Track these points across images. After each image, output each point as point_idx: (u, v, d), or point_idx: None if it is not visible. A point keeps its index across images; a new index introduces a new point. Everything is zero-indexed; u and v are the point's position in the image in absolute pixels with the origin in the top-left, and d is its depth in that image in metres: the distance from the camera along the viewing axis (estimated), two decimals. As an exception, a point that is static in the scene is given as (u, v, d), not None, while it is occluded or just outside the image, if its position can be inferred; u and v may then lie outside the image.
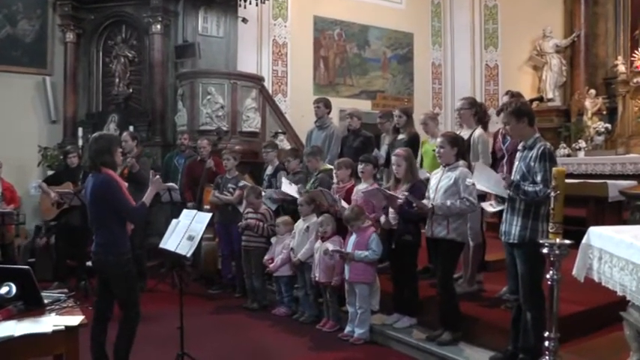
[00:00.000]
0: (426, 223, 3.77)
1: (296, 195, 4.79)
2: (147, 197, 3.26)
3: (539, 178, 2.97)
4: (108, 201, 3.12)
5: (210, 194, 5.57)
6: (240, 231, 5.01)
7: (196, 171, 5.94)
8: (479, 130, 4.33)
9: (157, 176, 3.36)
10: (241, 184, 5.35)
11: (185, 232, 3.41)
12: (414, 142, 4.88)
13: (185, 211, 3.62)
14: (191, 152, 6.33)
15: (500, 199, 3.30)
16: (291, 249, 4.60)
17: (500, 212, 3.33)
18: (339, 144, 5.64)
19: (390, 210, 3.97)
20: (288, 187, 4.90)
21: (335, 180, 4.66)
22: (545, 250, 2.55)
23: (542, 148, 3.00)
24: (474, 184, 3.36)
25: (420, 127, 4.93)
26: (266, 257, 4.83)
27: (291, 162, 5.17)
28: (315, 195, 4.56)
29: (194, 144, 6.31)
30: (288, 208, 5.05)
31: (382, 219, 4.10)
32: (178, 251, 3.37)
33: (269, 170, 5.55)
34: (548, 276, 2.59)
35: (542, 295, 2.97)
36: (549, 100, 9.44)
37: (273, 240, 4.88)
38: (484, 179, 3.23)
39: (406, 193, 3.76)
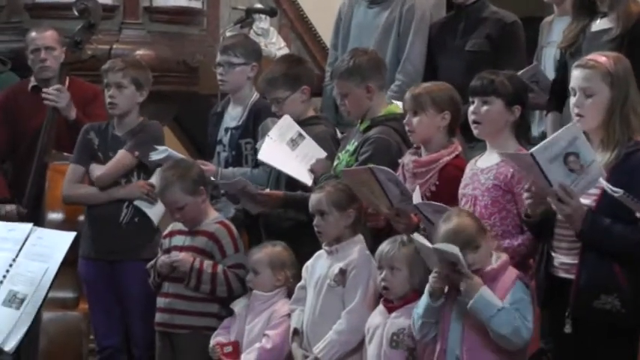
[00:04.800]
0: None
1: (304, 179, 5.25)
2: None
3: None
4: None
5: (67, 179, 6.06)
6: (153, 281, 5.45)
7: (24, 115, 6.58)
8: None
9: None
10: (160, 153, 5.86)
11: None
12: (637, 43, 5.07)
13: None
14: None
15: None
16: (294, 332, 5.01)
17: None
18: (424, 41, 6.20)
19: (560, 231, 4.22)
20: (271, 152, 5.35)
21: (414, 144, 4.95)
22: None
23: None
24: None
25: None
26: (216, 341, 5.31)
27: (293, 94, 5.66)
28: (356, 182, 4.84)
29: (19, 41, 6.99)
30: (281, 222, 5.58)
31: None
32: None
33: (233, 118, 6.19)
34: None
35: None
36: None
37: (236, 307, 5.29)
38: None
39: (612, 188, 3.88)
